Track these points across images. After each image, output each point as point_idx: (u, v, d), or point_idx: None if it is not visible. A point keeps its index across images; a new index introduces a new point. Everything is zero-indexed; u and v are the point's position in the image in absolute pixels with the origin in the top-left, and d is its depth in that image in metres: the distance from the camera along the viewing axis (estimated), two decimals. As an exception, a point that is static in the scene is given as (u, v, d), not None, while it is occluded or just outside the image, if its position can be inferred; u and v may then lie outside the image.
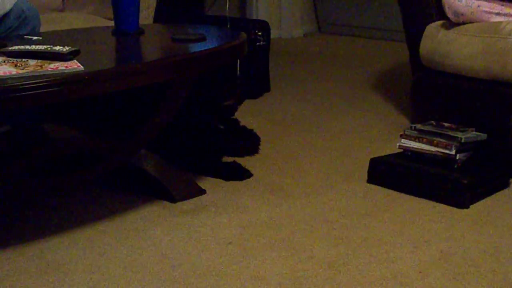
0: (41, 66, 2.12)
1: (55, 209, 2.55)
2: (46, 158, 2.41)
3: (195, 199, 2.63)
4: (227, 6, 4.88)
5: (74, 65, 2.15)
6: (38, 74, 2.06)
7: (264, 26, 4.28)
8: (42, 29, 2.84)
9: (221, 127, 2.98)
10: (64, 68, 2.13)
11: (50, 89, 2.04)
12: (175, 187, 2.64)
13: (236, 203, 2.60)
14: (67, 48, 2.24)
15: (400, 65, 4.72)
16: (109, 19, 3.33)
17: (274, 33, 5.21)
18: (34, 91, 2.01)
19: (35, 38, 2.60)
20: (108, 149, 2.52)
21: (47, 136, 2.63)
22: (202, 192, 2.68)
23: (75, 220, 2.46)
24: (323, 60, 5.34)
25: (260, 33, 4.22)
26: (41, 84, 2.02)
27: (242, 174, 2.84)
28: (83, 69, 2.14)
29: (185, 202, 2.60)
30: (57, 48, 2.24)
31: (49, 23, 3.26)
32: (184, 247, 2.26)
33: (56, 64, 2.15)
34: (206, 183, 2.77)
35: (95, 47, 2.73)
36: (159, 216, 2.50)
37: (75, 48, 2.26)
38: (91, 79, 2.15)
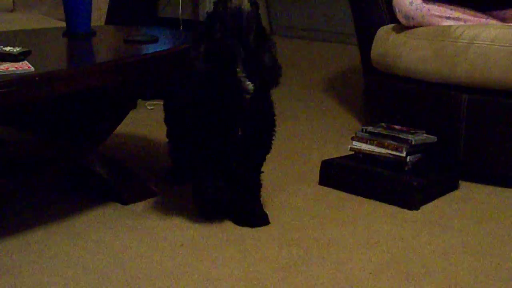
0: (-10, 67, 2.10)
1: (6, 212, 2.53)
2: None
3: (146, 201, 2.62)
4: (180, 8, 4.88)
5: (25, 66, 2.13)
6: (-13, 75, 2.04)
7: (217, 28, 4.27)
8: (-8, 30, 2.82)
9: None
10: (14, 69, 2.11)
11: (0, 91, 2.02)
12: (126, 189, 2.63)
13: (188, 204, 2.60)
14: (18, 49, 2.21)
15: (353, 68, 4.75)
16: (61, 20, 3.31)
17: (227, 35, 5.20)
18: (-16, 93, 1.99)
19: (-16, 38, 2.57)
20: (59, 152, 2.50)
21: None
22: (154, 194, 2.67)
23: (26, 223, 2.43)
24: (275, 63, 5.33)
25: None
26: (-10, 85, 2.00)
27: None
28: (33, 70, 2.12)
29: (136, 204, 2.59)
30: (8, 48, 2.21)
31: (-1, 23, 3.24)
32: (136, 249, 2.26)
33: (6, 65, 2.13)
34: (157, 185, 2.76)
35: (46, 48, 2.71)
36: (111, 218, 2.48)
37: (26, 49, 2.24)
38: (42, 80, 2.13)
